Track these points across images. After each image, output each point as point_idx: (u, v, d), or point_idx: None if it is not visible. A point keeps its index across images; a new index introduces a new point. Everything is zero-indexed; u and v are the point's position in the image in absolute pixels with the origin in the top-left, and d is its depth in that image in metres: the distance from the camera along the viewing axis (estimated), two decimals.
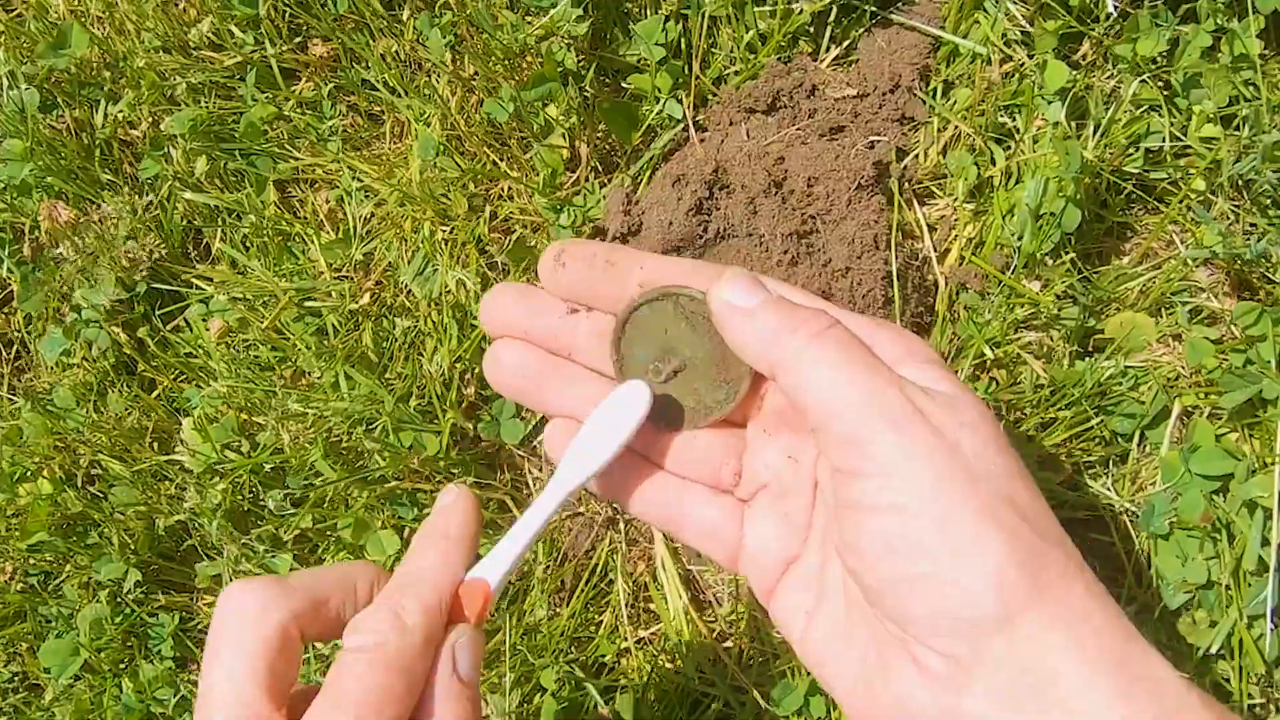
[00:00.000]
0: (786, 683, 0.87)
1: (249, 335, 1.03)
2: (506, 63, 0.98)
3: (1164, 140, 0.89)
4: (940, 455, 0.47)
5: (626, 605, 0.93)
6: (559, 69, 0.95)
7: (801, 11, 0.95)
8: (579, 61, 0.97)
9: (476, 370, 0.98)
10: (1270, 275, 0.86)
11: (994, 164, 0.93)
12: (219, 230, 1.08)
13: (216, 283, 1.05)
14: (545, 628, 0.92)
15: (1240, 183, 0.87)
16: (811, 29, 0.97)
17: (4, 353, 1.13)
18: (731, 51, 0.97)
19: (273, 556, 0.97)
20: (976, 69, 0.94)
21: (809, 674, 0.88)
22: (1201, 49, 0.88)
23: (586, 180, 0.99)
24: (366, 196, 1.03)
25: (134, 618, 1.01)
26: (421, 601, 0.52)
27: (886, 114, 0.95)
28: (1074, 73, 0.91)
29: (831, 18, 0.97)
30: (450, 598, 0.54)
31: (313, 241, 1.03)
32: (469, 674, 0.52)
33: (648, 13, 0.97)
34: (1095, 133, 0.89)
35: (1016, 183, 0.91)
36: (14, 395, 1.10)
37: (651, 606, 0.94)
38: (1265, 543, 0.80)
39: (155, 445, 1.04)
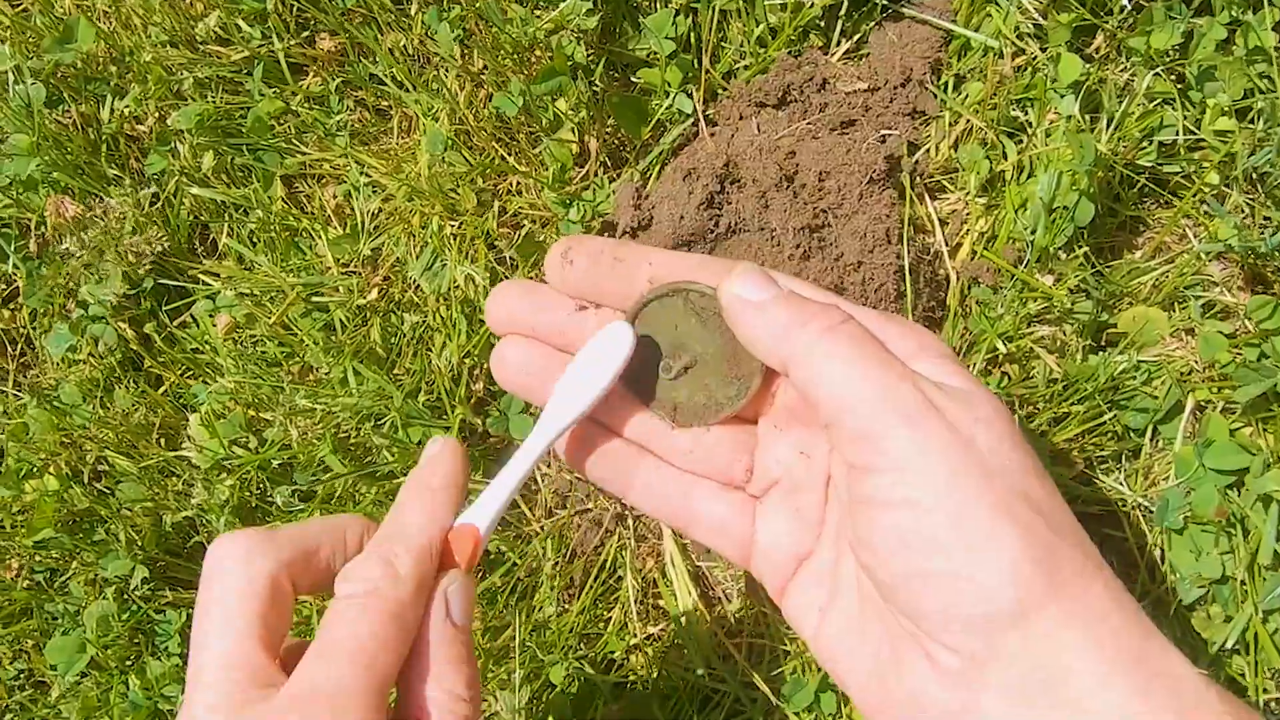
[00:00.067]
0: (797, 679, 0.87)
1: (256, 331, 1.03)
2: (515, 57, 0.98)
3: (1178, 134, 0.89)
4: (955, 450, 0.47)
5: (635, 602, 0.93)
6: (568, 63, 0.95)
7: (812, 5, 0.94)
8: (588, 55, 0.97)
9: (485, 365, 0.97)
10: None
11: (1006, 158, 0.92)
12: (226, 225, 1.07)
13: (223, 278, 1.05)
14: (554, 624, 0.91)
15: (1255, 176, 0.87)
16: (822, 23, 0.97)
17: (10, 349, 1.12)
18: (742, 45, 0.97)
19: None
20: (989, 62, 0.93)
21: (819, 670, 0.87)
22: (1216, 42, 0.87)
23: (596, 175, 0.98)
24: (374, 191, 1.03)
25: (141, 614, 1.01)
26: (412, 548, 0.52)
27: (898, 108, 0.94)
28: (1087, 66, 0.90)
29: (842, 11, 0.96)
30: (440, 544, 0.54)
31: (320, 237, 1.02)
32: (461, 619, 0.52)
33: (657, 6, 0.97)
34: (1108, 126, 0.89)
35: (1029, 177, 0.91)
36: (20, 391, 1.10)
37: (661, 603, 0.94)
38: None
39: (162, 441, 1.04)
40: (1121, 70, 0.92)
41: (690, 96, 0.96)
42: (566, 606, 0.93)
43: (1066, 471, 0.87)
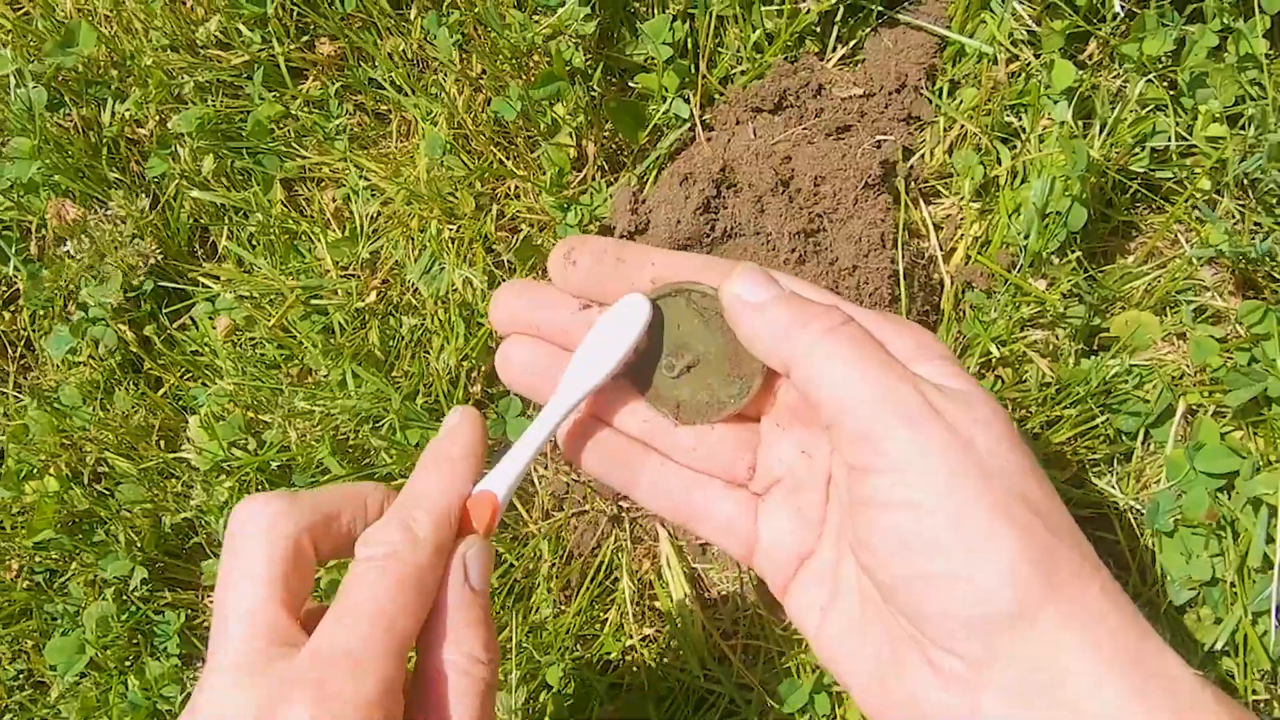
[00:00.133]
0: (792, 680, 0.88)
1: (255, 333, 1.03)
2: (514, 61, 0.98)
3: (1170, 140, 0.89)
4: (954, 451, 0.47)
5: (632, 603, 0.94)
6: (566, 68, 0.96)
7: (808, 11, 0.95)
8: (586, 60, 0.97)
9: (483, 368, 0.98)
10: (1275, 274, 0.86)
11: (1000, 163, 0.93)
12: (226, 228, 1.08)
13: (223, 281, 1.05)
14: (551, 625, 0.92)
15: (1246, 182, 0.88)
16: (818, 28, 0.98)
17: (10, 351, 1.13)
18: (738, 51, 0.98)
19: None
20: (983, 68, 0.94)
21: (814, 671, 0.88)
22: (1208, 49, 0.88)
23: (593, 179, 0.99)
24: (373, 195, 1.04)
25: (140, 615, 1.01)
26: (431, 513, 0.53)
27: (893, 113, 0.95)
28: (1080, 72, 0.91)
29: (838, 17, 0.97)
30: (459, 510, 0.54)
31: (319, 240, 1.03)
32: (479, 583, 0.53)
33: (655, 12, 0.97)
34: (1101, 132, 0.90)
35: (1022, 182, 0.92)
36: (20, 393, 1.10)
37: (657, 604, 0.94)
38: (1270, 540, 0.81)
39: (162, 443, 1.04)
40: (1114, 76, 0.92)
41: (687, 101, 0.97)
42: (563, 608, 0.94)
43: (1059, 474, 0.88)
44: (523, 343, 0.62)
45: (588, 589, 0.94)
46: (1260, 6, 0.86)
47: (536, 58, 0.99)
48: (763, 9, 0.95)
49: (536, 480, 0.99)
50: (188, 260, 1.09)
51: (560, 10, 0.96)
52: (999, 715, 0.45)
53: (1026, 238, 0.88)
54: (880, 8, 0.97)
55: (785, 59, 0.96)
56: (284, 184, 1.07)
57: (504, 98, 0.98)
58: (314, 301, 1.01)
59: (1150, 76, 0.90)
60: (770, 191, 0.89)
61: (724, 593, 0.94)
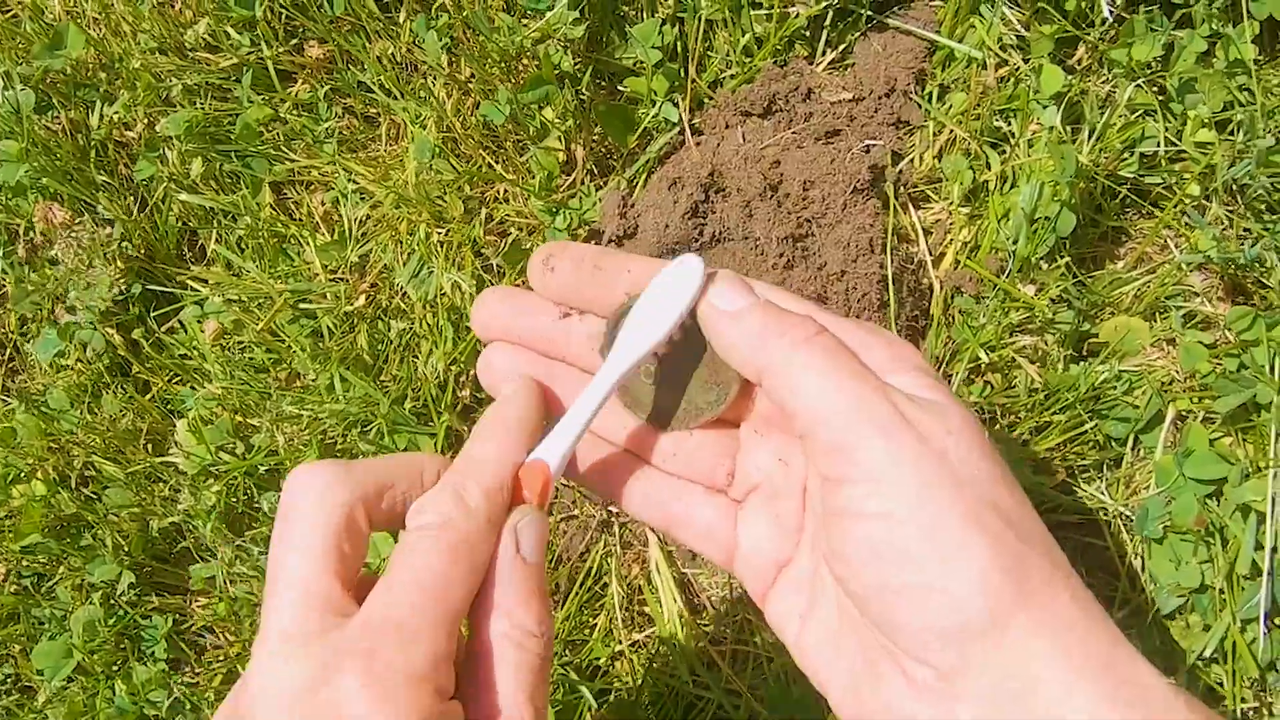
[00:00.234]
0: (780, 686, 0.87)
1: (244, 337, 1.03)
2: (503, 65, 0.98)
3: (1159, 145, 0.89)
4: (927, 462, 0.47)
5: (621, 608, 0.93)
6: (555, 71, 0.95)
7: (798, 15, 0.95)
8: (575, 64, 0.97)
9: (471, 373, 0.98)
10: (1264, 280, 0.86)
11: (989, 168, 0.93)
12: (214, 232, 1.08)
13: (211, 284, 1.05)
14: None
15: (1235, 188, 0.88)
16: (808, 33, 0.98)
17: None
18: (728, 55, 0.98)
19: (267, 559, 0.97)
20: (972, 73, 0.94)
21: (801, 678, 0.87)
22: (1196, 54, 0.88)
23: (582, 183, 0.99)
24: (362, 199, 1.03)
25: (127, 620, 1.01)
26: (483, 483, 0.52)
27: (882, 118, 0.95)
28: (1069, 77, 0.91)
29: (827, 22, 0.97)
30: (511, 480, 0.54)
31: (308, 243, 1.03)
32: (533, 555, 0.52)
33: (644, 16, 0.97)
34: (1090, 137, 0.89)
35: (1012, 187, 0.92)
36: (7, 397, 1.10)
37: (646, 609, 0.94)
38: (1259, 547, 0.81)
39: (149, 447, 1.04)
40: (1103, 82, 0.92)
41: (676, 105, 0.97)
42: (552, 613, 0.94)
43: (1048, 480, 0.88)
44: (504, 349, 0.62)
45: (577, 594, 0.93)
46: (1249, 12, 0.86)
47: (525, 61, 0.99)
48: (752, 13, 0.95)
49: None
50: (176, 263, 1.08)
51: (549, 14, 0.95)
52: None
53: (1015, 243, 0.88)
54: (869, 12, 0.96)
55: (774, 63, 0.96)
56: (273, 187, 1.07)
57: (493, 101, 0.98)
58: (302, 305, 1.01)
59: (1139, 82, 0.90)
60: (759, 196, 0.89)
61: (713, 598, 0.94)
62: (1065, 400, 0.86)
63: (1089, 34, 0.91)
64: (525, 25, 0.96)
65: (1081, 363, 0.89)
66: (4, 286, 1.11)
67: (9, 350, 1.13)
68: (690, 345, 0.58)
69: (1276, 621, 0.81)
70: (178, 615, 1.03)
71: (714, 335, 0.54)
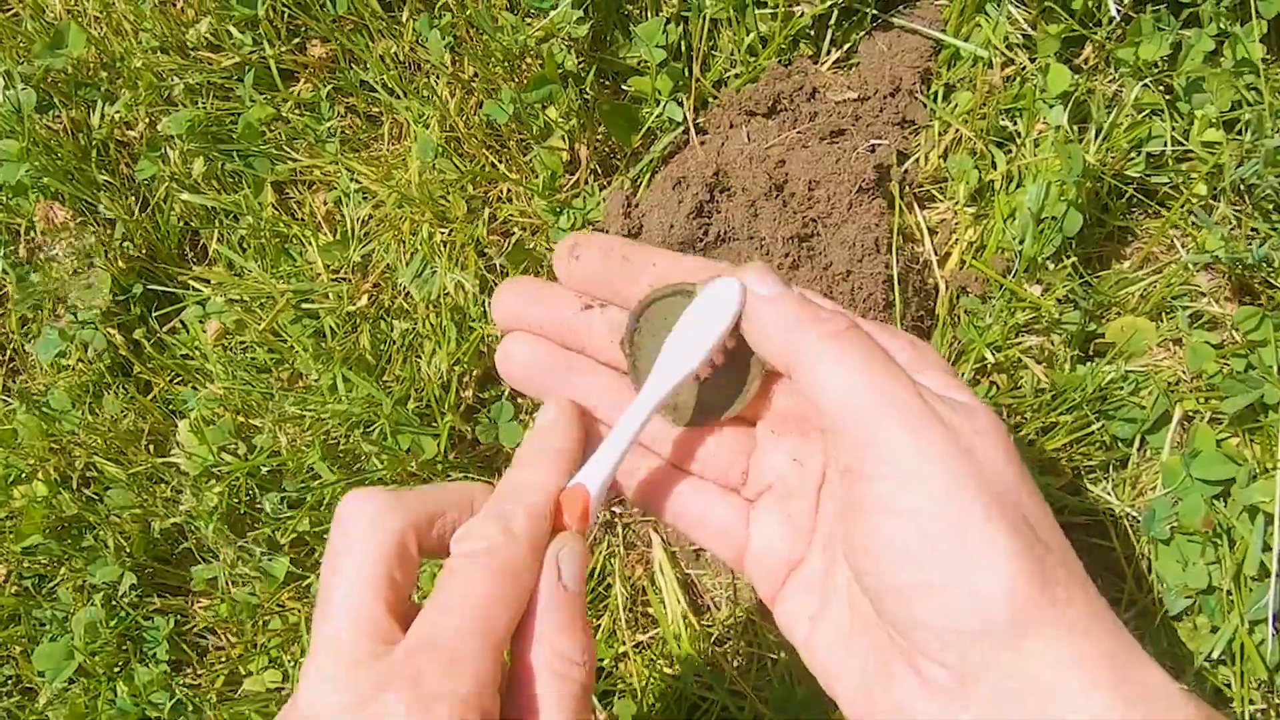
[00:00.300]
0: (784, 688, 0.87)
1: (246, 337, 1.02)
2: (506, 64, 0.98)
3: (1166, 145, 0.89)
4: (955, 461, 0.47)
5: (624, 609, 0.93)
6: (559, 71, 0.95)
7: (802, 14, 0.94)
8: (579, 63, 0.97)
9: (475, 373, 0.97)
10: (1272, 280, 0.86)
11: (995, 168, 0.92)
12: (216, 232, 1.07)
13: (213, 284, 1.05)
14: None
15: (1242, 187, 0.87)
16: (812, 32, 0.97)
17: None
18: (732, 54, 0.97)
19: (269, 559, 0.97)
20: (978, 72, 0.93)
21: (806, 680, 0.87)
22: (1204, 53, 0.88)
23: (586, 183, 0.98)
24: (365, 198, 1.03)
25: (129, 621, 1.01)
26: (527, 509, 0.53)
27: (887, 117, 0.95)
28: (1076, 76, 0.90)
29: (832, 21, 0.96)
30: (553, 505, 0.54)
31: (310, 243, 1.02)
32: (573, 583, 0.52)
33: (648, 15, 0.97)
34: (1097, 137, 0.89)
35: (1018, 186, 0.91)
36: (8, 397, 1.09)
37: (650, 611, 0.94)
38: (1267, 548, 0.80)
39: (151, 447, 1.04)
40: (1110, 81, 0.92)
41: (680, 105, 0.96)
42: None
43: (1054, 481, 0.88)
44: (524, 339, 0.61)
45: None
46: (1257, 11, 0.85)
47: (529, 60, 0.98)
48: (756, 12, 0.95)
49: None
50: (178, 263, 1.08)
51: (553, 13, 0.95)
52: None
53: (1021, 243, 0.88)
54: (875, 11, 0.96)
55: (779, 62, 0.96)
56: (275, 187, 1.06)
57: (496, 101, 0.97)
58: (305, 305, 1.00)
59: (1146, 81, 0.89)
60: (764, 196, 0.88)
61: (717, 599, 0.93)
62: (1072, 401, 0.86)
63: (1096, 33, 0.90)
64: (529, 24, 0.96)
65: (1088, 363, 0.89)
66: (4, 287, 1.11)
67: (10, 350, 1.12)
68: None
69: None
70: (179, 616, 1.02)
71: (749, 320, 0.54)
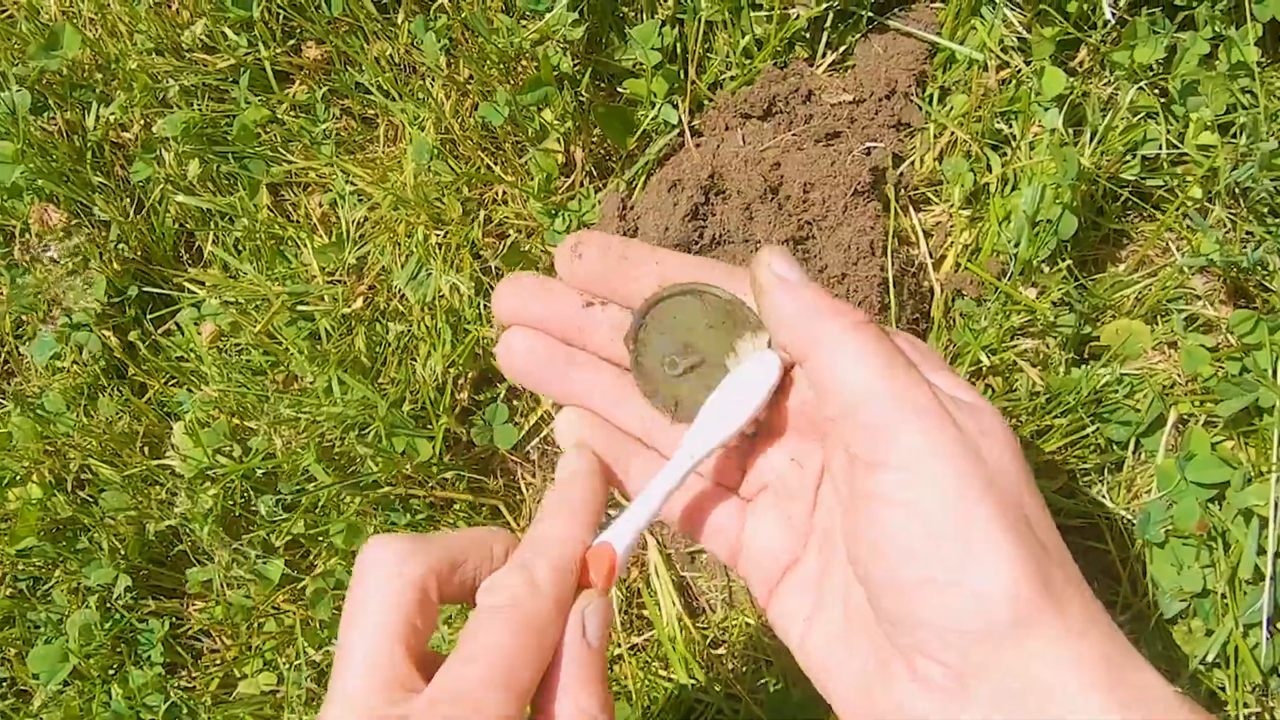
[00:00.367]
0: (780, 690, 0.87)
1: (241, 339, 1.02)
2: (502, 66, 0.98)
3: (1161, 148, 0.89)
4: (963, 458, 0.47)
5: (620, 611, 0.93)
6: (554, 73, 0.95)
7: (798, 17, 0.94)
8: (574, 66, 0.97)
9: (470, 375, 0.97)
10: (1267, 283, 0.86)
11: (990, 170, 0.92)
12: (211, 234, 1.07)
13: (208, 286, 1.05)
14: None
15: (1237, 191, 0.87)
16: (808, 34, 0.97)
17: None
18: (728, 56, 0.97)
19: (264, 562, 0.97)
20: (973, 75, 0.93)
21: (802, 682, 0.87)
22: (1199, 56, 0.88)
23: (581, 185, 0.98)
24: (360, 200, 1.03)
25: (124, 623, 1.01)
26: (553, 564, 0.53)
27: (883, 120, 0.95)
28: (1071, 79, 0.90)
29: (828, 23, 0.96)
30: (580, 561, 0.54)
31: (305, 245, 1.02)
32: (597, 640, 0.52)
33: (644, 17, 0.97)
34: (1092, 140, 0.89)
35: (1013, 189, 0.91)
36: (3, 399, 1.09)
37: (645, 613, 0.94)
38: (1261, 551, 0.80)
39: (146, 450, 1.04)
40: (1105, 84, 0.92)
41: (676, 107, 0.96)
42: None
43: (1049, 484, 0.88)
44: (524, 333, 0.62)
45: None
46: (1252, 14, 0.85)
47: (524, 63, 0.98)
48: (752, 14, 0.95)
49: (524, 488, 0.98)
50: (173, 265, 1.08)
51: (548, 15, 0.95)
52: None
53: (1017, 245, 0.88)
54: (870, 14, 0.96)
55: (775, 65, 0.96)
56: (270, 189, 1.06)
57: (492, 103, 0.97)
58: (300, 307, 1.00)
59: (1141, 84, 0.89)
60: (759, 198, 0.88)
61: (713, 601, 0.93)
62: (1067, 404, 0.86)
63: (1091, 36, 0.90)
64: (524, 26, 0.96)
65: (1083, 366, 0.88)
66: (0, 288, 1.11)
67: (4, 353, 1.12)
68: (719, 342, 0.58)
69: (1279, 626, 0.81)
70: (174, 619, 1.02)
71: (769, 302, 0.54)
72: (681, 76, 0.97)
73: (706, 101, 0.97)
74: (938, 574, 0.46)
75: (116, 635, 1.00)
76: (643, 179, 0.97)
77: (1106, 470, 0.89)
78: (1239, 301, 0.89)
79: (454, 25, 0.99)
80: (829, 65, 0.97)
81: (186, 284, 1.07)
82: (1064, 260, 0.88)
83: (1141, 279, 0.90)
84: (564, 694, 0.50)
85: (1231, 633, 0.81)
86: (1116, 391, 0.87)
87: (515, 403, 0.97)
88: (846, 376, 0.50)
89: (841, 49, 0.97)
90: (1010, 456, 0.49)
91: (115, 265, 1.05)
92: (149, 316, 1.07)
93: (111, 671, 1.01)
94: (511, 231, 0.99)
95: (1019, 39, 0.93)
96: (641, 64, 0.96)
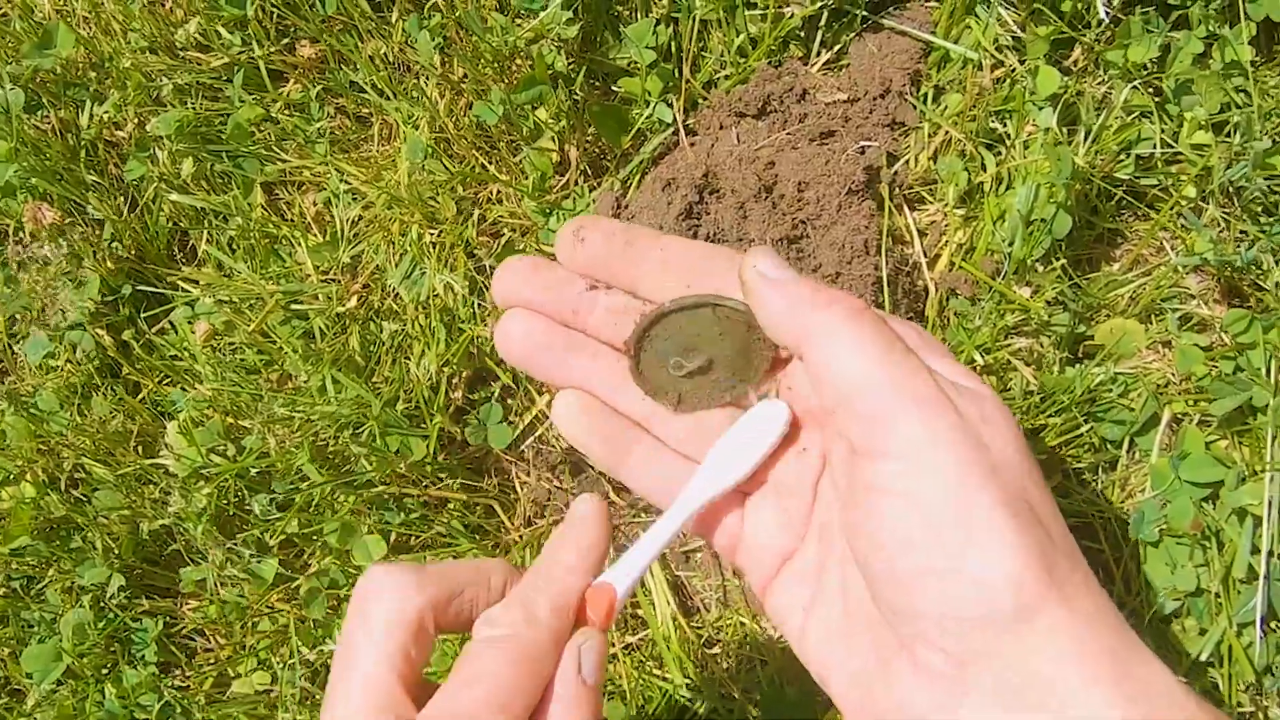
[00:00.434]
0: (774, 690, 0.87)
1: (235, 338, 1.02)
2: (496, 65, 0.97)
3: (1155, 147, 0.89)
4: (964, 446, 0.47)
5: None
6: (549, 72, 0.95)
7: (792, 16, 0.94)
8: (569, 64, 0.97)
9: (464, 374, 0.97)
10: (1260, 283, 0.86)
11: (985, 170, 0.92)
12: (205, 232, 1.07)
13: (202, 285, 1.04)
14: None
15: (1231, 190, 0.87)
16: (802, 33, 0.97)
17: None
18: (722, 55, 0.97)
19: (258, 561, 0.97)
20: (968, 74, 0.93)
21: (796, 682, 0.87)
22: (1193, 55, 0.88)
23: (576, 184, 0.98)
24: (354, 199, 1.03)
25: (117, 623, 1.00)
26: (552, 600, 0.53)
27: (877, 119, 0.95)
28: (1065, 78, 0.90)
29: (822, 22, 0.96)
30: (579, 600, 0.54)
31: (300, 244, 1.02)
32: (593, 677, 0.52)
33: (638, 16, 0.97)
34: (1086, 139, 0.89)
35: (1007, 188, 0.91)
36: None
37: (639, 612, 0.94)
38: (1255, 550, 0.80)
39: (140, 449, 1.03)
40: (1099, 83, 0.92)
41: (670, 106, 0.96)
42: None
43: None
44: (523, 316, 0.61)
45: None
46: (1246, 13, 0.86)
47: (519, 61, 0.98)
48: (746, 13, 0.95)
49: (519, 487, 0.98)
50: (166, 264, 1.08)
51: (543, 13, 0.95)
52: (983, 717, 0.45)
53: (1011, 244, 0.88)
54: (865, 13, 0.96)
55: (769, 63, 0.95)
56: (264, 188, 1.06)
57: (486, 102, 0.97)
58: (294, 306, 1.00)
59: (1135, 83, 0.89)
60: (753, 197, 0.88)
61: (707, 601, 0.93)
62: (1061, 403, 0.86)
63: (1085, 35, 0.90)
64: (518, 25, 0.96)
65: (1077, 365, 0.89)
66: None
67: None
68: (725, 347, 0.58)
69: (1273, 625, 0.81)
70: (168, 618, 1.02)
71: (757, 300, 0.54)
72: (676, 75, 0.97)
73: (701, 100, 0.97)
74: (938, 562, 0.46)
75: (110, 635, 1.00)
76: (637, 178, 0.97)
77: (1100, 469, 0.89)
78: (1233, 300, 0.89)
79: (448, 24, 0.99)
80: (823, 64, 0.97)
81: (180, 283, 1.06)
82: (1058, 259, 0.88)
83: (1136, 278, 0.90)
84: None
85: (1225, 632, 0.81)
86: (1110, 390, 0.87)
87: (510, 402, 0.97)
88: (843, 366, 0.49)
89: (836, 48, 0.97)
90: (1013, 444, 0.48)
91: (109, 264, 1.04)
92: (143, 315, 1.07)
93: (105, 671, 1.01)
94: (506, 230, 0.99)
95: (1013, 38, 0.93)
96: (636, 63, 0.96)
